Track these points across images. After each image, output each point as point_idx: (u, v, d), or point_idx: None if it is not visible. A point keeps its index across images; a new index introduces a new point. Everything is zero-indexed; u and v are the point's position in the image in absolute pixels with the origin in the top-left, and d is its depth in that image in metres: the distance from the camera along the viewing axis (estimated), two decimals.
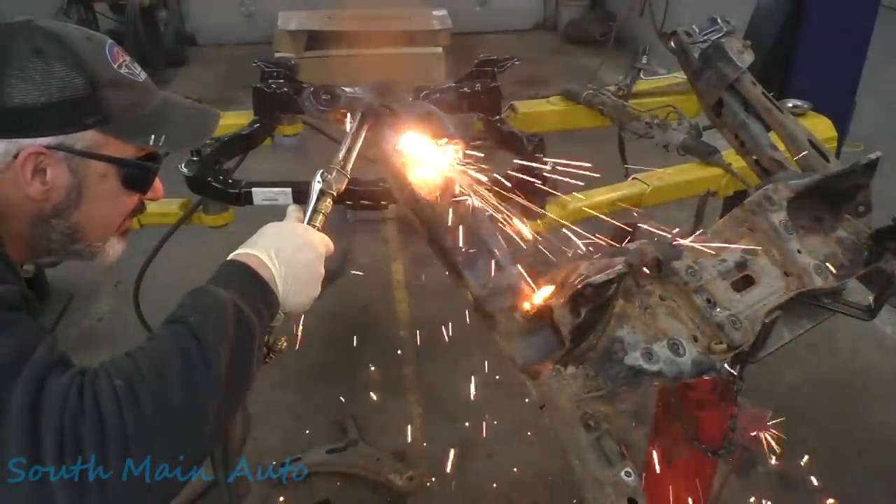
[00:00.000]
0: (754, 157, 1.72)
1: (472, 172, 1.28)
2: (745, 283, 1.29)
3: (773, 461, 2.65)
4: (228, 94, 6.39)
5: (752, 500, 2.55)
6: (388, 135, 1.29)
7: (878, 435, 2.82)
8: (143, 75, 1.16)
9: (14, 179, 1.04)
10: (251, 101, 2.58)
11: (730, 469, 2.37)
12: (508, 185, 1.37)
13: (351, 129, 1.33)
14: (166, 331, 0.94)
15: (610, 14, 8.61)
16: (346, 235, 4.30)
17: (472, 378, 2.80)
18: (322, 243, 1.18)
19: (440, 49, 6.43)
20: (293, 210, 1.24)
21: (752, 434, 1.65)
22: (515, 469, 2.70)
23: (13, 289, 0.93)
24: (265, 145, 2.68)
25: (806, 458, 2.69)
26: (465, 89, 2.59)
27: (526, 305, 1.13)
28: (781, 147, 1.70)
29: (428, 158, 1.26)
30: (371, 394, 3.07)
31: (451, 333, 3.45)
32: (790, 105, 2.54)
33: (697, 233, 1.34)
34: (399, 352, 3.35)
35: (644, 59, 2.88)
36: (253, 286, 1.05)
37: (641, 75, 2.91)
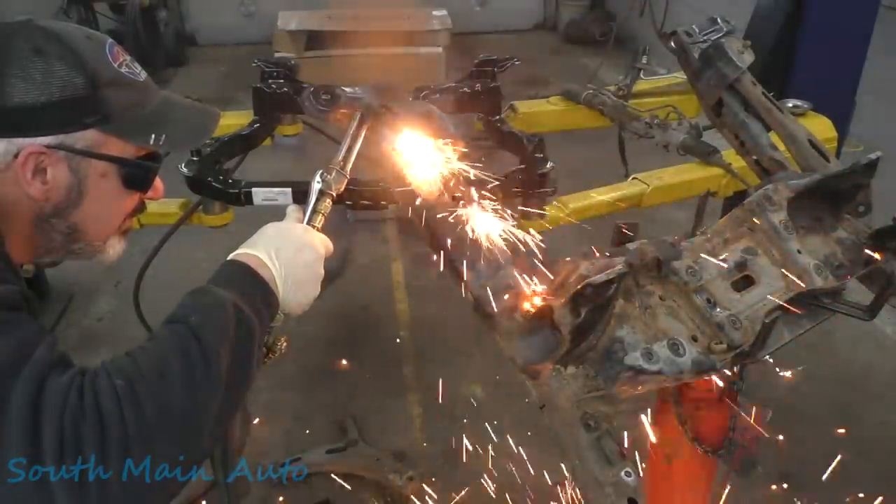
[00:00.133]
0: (754, 157, 1.72)
1: (472, 172, 1.28)
2: (745, 283, 1.29)
3: (773, 461, 2.66)
4: (228, 94, 6.39)
5: (752, 500, 2.55)
6: (388, 135, 1.29)
7: (877, 435, 2.82)
8: (143, 75, 1.16)
9: (14, 179, 1.04)
10: (251, 101, 2.58)
11: (730, 469, 2.37)
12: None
13: (350, 130, 1.33)
14: (167, 331, 0.94)
15: (610, 14, 8.62)
16: (346, 235, 4.30)
17: (479, 384, 2.81)
18: (322, 244, 1.18)
19: (440, 49, 6.42)
20: (293, 210, 1.24)
21: (752, 434, 1.65)
22: (515, 469, 2.70)
23: (13, 289, 0.93)
24: (265, 145, 2.68)
25: (805, 458, 2.69)
26: (465, 89, 2.58)
27: (526, 305, 1.13)
28: (781, 147, 1.70)
29: (428, 159, 1.26)
30: (371, 394, 3.07)
31: (450, 333, 3.45)
32: (790, 105, 2.54)
33: (697, 233, 1.34)
34: (399, 352, 3.35)
35: (644, 59, 2.88)
36: (253, 287, 1.05)
37: (641, 75, 2.91)
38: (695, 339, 1.17)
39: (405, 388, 3.14)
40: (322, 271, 1.16)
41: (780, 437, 2.73)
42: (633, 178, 2.44)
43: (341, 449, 2.72)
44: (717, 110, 1.79)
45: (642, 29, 4.19)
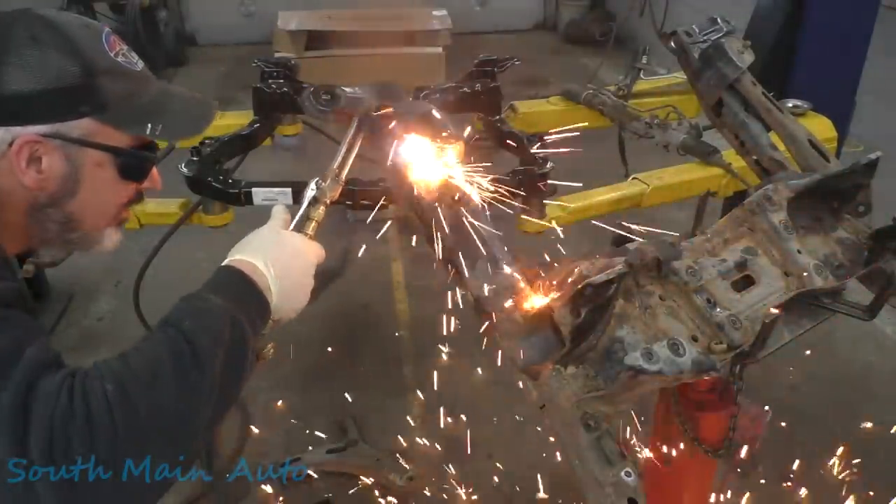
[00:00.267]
0: (754, 157, 1.72)
1: (472, 172, 1.28)
2: (745, 283, 1.30)
3: (773, 461, 2.66)
4: (228, 94, 6.39)
5: (752, 499, 2.55)
6: (388, 136, 1.29)
7: (878, 435, 2.82)
8: (140, 64, 1.16)
9: (9, 168, 1.03)
10: (251, 101, 2.58)
11: (730, 469, 2.38)
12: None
13: (347, 136, 1.33)
14: (160, 334, 0.94)
15: (610, 14, 8.61)
16: (346, 235, 4.30)
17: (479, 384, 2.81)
18: (314, 253, 1.19)
19: (440, 49, 6.42)
20: (280, 211, 1.23)
21: (752, 434, 1.65)
22: (515, 469, 2.70)
23: (10, 285, 0.93)
24: (265, 145, 2.68)
25: (805, 458, 2.69)
26: (465, 89, 2.59)
27: (526, 305, 1.13)
28: (781, 147, 1.70)
29: (428, 159, 1.26)
30: (371, 394, 3.07)
31: (450, 333, 3.45)
32: (790, 105, 2.54)
33: (697, 233, 1.34)
34: (399, 351, 3.35)
35: (644, 59, 2.88)
36: (248, 294, 1.05)
37: (641, 75, 2.91)
38: (695, 339, 1.17)
39: (405, 388, 3.14)
40: (312, 280, 1.17)
41: (780, 438, 2.74)
42: (633, 178, 2.44)
43: (341, 449, 2.72)
44: (717, 110, 1.79)
45: (642, 29, 4.18)
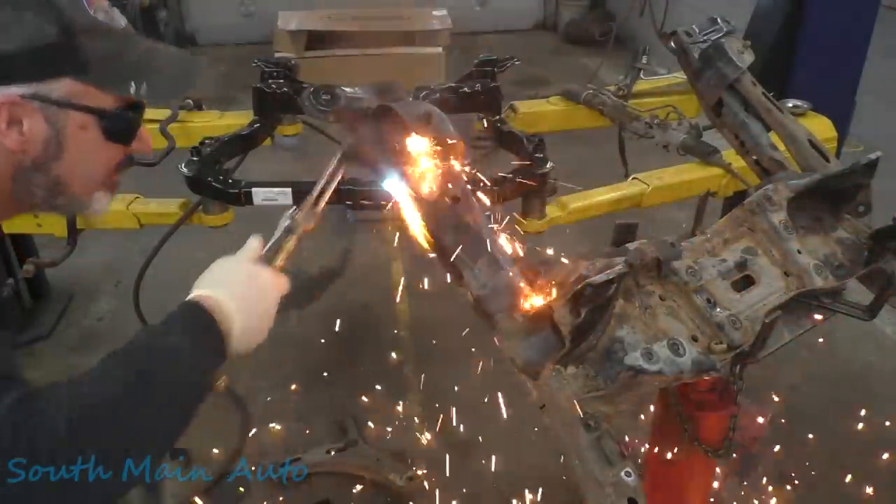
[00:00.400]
0: (754, 157, 1.72)
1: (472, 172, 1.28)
2: (745, 283, 1.30)
3: (773, 461, 2.66)
4: (228, 94, 6.39)
5: (752, 500, 2.55)
6: (388, 135, 1.29)
7: (878, 435, 2.82)
8: (122, 21, 1.12)
9: None
10: (251, 101, 2.59)
11: (730, 469, 2.38)
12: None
13: (328, 169, 1.32)
14: (115, 369, 0.93)
15: (610, 14, 8.61)
16: (346, 235, 4.30)
17: (479, 384, 2.81)
18: (279, 288, 1.18)
19: (440, 49, 6.42)
20: (254, 243, 1.21)
21: (752, 434, 1.65)
22: (515, 469, 2.70)
23: None
24: (265, 145, 2.68)
25: (805, 458, 2.69)
26: (465, 89, 2.59)
27: (526, 305, 1.13)
28: (781, 147, 1.70)
29: (428, 159, 1.26)
30: (371, 394, 3.07)
31: (450, 333, 3.45)
32: (790, 105, 2.54)
33: (697, 233, 1.34)
34: (399, 352, 3.35)
35: (644, 59, 2.88)
36: (207, 334, 1.04)
37: (641, 75, 2.91)
38: (695, 339, 1.17)
39: (405, 388, 3.14)
40: (274, 314, 1.17)
41: (780, 438, 2.74)
42: (633, 178, 2.44)
43: (341, 449, 2.72)
44: (717, 110, 1.79)
45: (642, 29, 4.18)
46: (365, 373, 3.18)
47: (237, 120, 2.68)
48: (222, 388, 1.11)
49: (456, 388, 3.09)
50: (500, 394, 2.36)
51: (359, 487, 2.62)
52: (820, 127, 2.57)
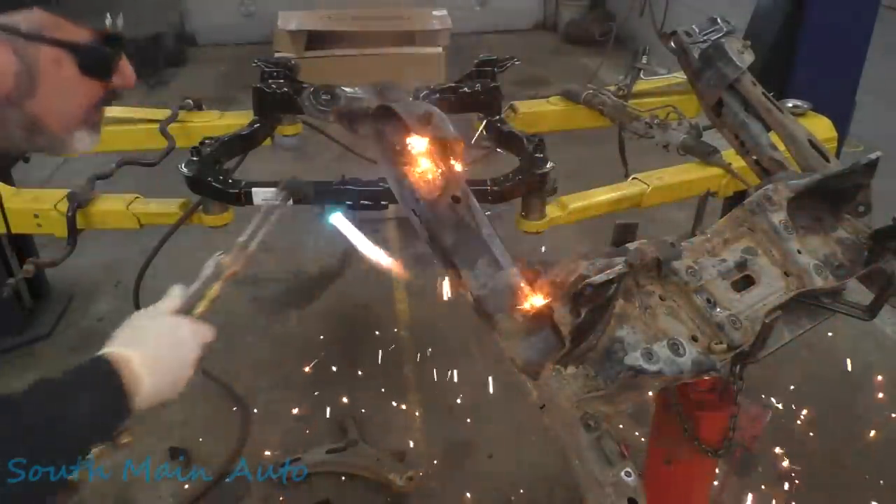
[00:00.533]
0: (754, 157, 1.72)
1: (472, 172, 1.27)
2: (745, 283, 1.30)
3: (773, 461, 2.66)
4: (228, 94, 6.39)
5: (752, 500, 2.55)
6: (388, 135, 1.29)
7: (877, 435, 2.82)
8: None
9: None
10: (251, 101, 2.59)
11: (730, 469, 2.38)
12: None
13: (264, 210, 1.31)
14: (7, 419, 0.91)
15: (610, 14, 8.61)
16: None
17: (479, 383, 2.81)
18: (200, 338, 1.16)
19: (440, 49, 6.42)
20: (175, 292, 1.20)
21: (752, 434, 1.65)
22: (516, 469, 2.71)
23: None
24: (265, 145, 2.68)
25: (805, 458, 2.69)
26: (465, 89, 2.59)
27: (526, 305, 1.13)
28: (781, 147, 1.70)
29: (427, 159, 1.26)
30: (371, 394, 3.07)
31: (450, 333, 3.45)
32: (790, 105, 2.54)
33: (697, 233, 1.34)
34: (399, 352, 3.35)
35: (644, 59, 2.88)
36: (110, 394, 1.01)
37: (641, 75, 2.91)
38: (695, 339, 1.17)
39: (405, 388, 3.14)
40: (192, 367, 1.14)
41: (780, 438, 2.74)
42: (633, 178, 2.44)
43: (341, 449, 2.72)
44: (717, 110, 1.79)
45: (642, 29, 4.18)
46: (365, 373, 3.18)
47: (237, 120, 2.68)
48: (124, 443, 1.08)
49: (456, 388, 3.10)
50: (499, 394, 2.36)
51: (359, 487, 2.62)
52: (820, 127, 2.57)
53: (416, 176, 1.25)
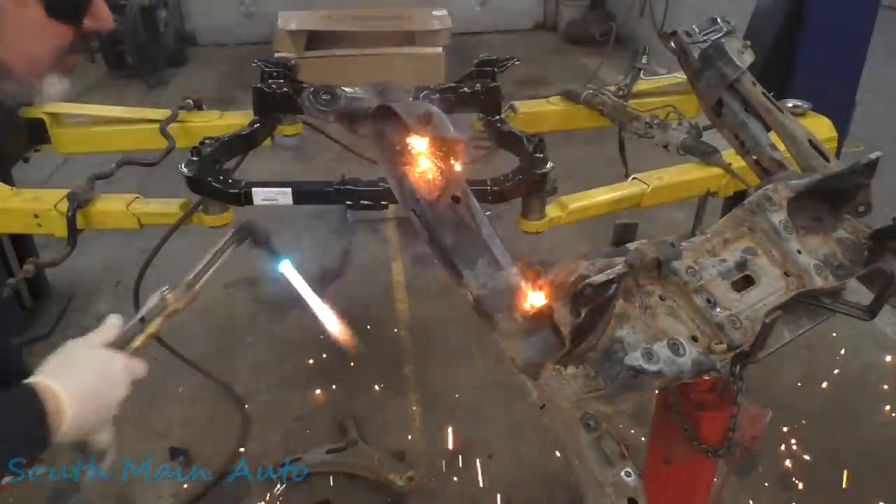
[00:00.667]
0: (754, 157, 1.72)
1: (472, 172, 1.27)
2: (745, 283, 1.29)
3: (773, 461, 2.67)
4: (228, 94, 6.39)
5: (752, 500, 2.56)
6: (388, 135, 1.29)
7: (878, 435, 2.82)
8: None
9: None
10: (251, 101, 2.59)
11: (730, 469, 2.38)
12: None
13: (217, 245, 1.29)
14: None
15: (610, 14, 8.61)
16: (346, 235, 4.30)
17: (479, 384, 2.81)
18: (132, 373, 1.14)
19: (440, 49, 6.42)
20: (111, 322, 1.18)
21: (752, 434, 1.65)
22: (516, 469, 2.71)
23: None
24: (265, 145, 2.68)
25: (805, 457, 2.70)
26: (465, 89, 2.59)
27: (526, 305, 1.13)
28: (781, 147, 1.70)
29: (427, 158, 1.26)
30: (371, 394, 3.07)
31: (450, 333, 3.45)
32: (790, 105, 2.54)
33: (697, 233, 1.34)
34: (399, 352, 3.35)
35: (644, 59, 2.88)
36: (31, 423, 1.00)
37: (641, 75, 2.91)
38: (695, 339, 1.17)
39: (405, 388, 3.14)
40: (118, 403, 1.12)
41: (780, 438, 2.74)
42: (633, 178, 2.44)
43: (341, 449, 2.72)
44: (717, 110, 1.78)
45: (642, 29, 4.19)
46: (365, 373, 3.19)
47: (237, 120, 2.68)
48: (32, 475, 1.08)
49: (456, 388, 3.10)
50: (499, 394, 2.36)
51: (359, 487, 2.62)
52: (820, 127, 2.57)
53: (416, 176, 1.25)
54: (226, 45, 8.52)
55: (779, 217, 1.34)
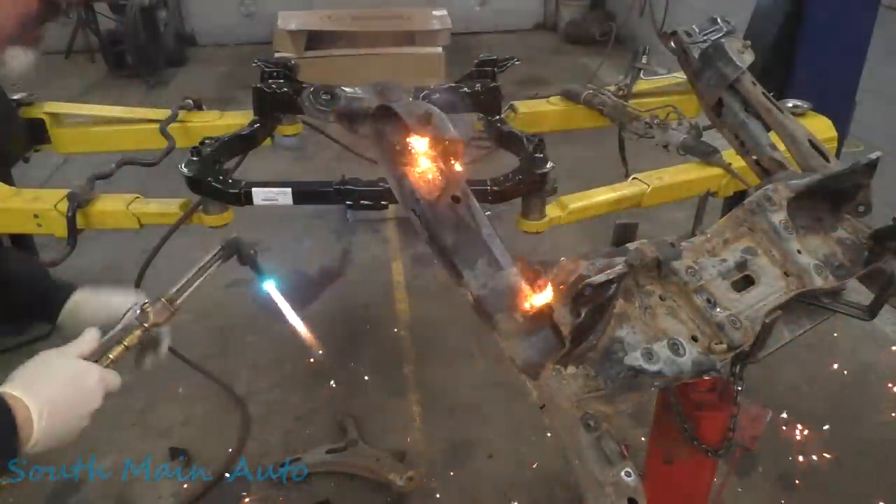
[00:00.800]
0: (754, 157, 1.72)
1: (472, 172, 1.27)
2: (745, 283, 1.29)
3: (773, 461, 2.66)
4: (228, 94, 6.39)
5: (752, 500, 2.55)
6: (388, 135, 1.29)
7: (878, 435, 2.82)
8: None
9: None
10: (251, 101, 2.59)
11: (730, 469, 2.38)
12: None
13: (202, 262, 1.29)
14: None
15: (610, 14, 8.61)
16: (346, 235, 4.30)
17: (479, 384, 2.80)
18: (103, 391, 1.12)
19: (440, 49, 6.42)
20: (89, 336, 1.16)
21: (752, 434, 1.65)
22: (516, 469, 2.70)
23: None
24: (265, 145, 2.68)
25: (805, 457, 2.70)
26: (465, 89, 2.59)
27: (526, 305, 1.13)
28: (781, 147, 1.70)
29: (427, 158, 1.26)
30: (371, 394, 3.07)
31: (450, 333, 3.45)
32: (790, 105, 2.54)
33: (697, 233, 1.34)
34: (399, 352, 3.35)
35: (644, 59, 2.88)
36: (1, 439, 0.99)
37: (641, 75, 2.91)
38: (695, 339, 1.17)
39: (405, 388, 3.14)
40: (89, 416, 1.11)
41: (780, 438, 2.74)
42: (633, 178, 2.44)
43: (341, 449, 2.72)
44: (717, 110, 1.79)
45: (642, 29, 4.19)
46: (365, 372, 3.19)
47: (237, 120, 2.68)
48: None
49: (456, 388, 3.10)
50: (499, 394, 2.35)
51: (359, 487, 2.62)
52: (820, 127, 2.57)
53: (416, 176, 1.25)
54: (226, 46, 8.52)
55: (779, 217, 1.34)
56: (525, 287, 1.14)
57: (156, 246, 2.35)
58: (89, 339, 1.16)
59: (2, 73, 1.09)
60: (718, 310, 1.20)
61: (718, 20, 1.87)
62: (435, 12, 6.69)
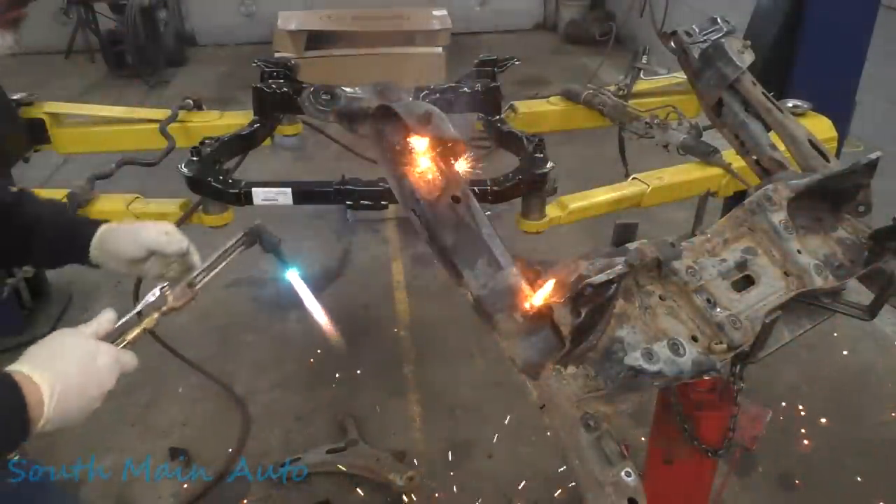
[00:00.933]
0: (754, 157, 1.72)
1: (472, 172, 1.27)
2: (745, 283, 1.29)
3: (773, 461, 2.66)
4: (228, 94, 6.39)
5: (752, 500, 2.55)
6: (388, 135, 1.29)
7: (877, 435, 2.82)
8: None
9: None
10: (251, 101, 2.59)
11: (730, 469, 2.38)
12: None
13: (223, 248, 1.29)
14: None
15: (610, 14, 8.62)
16: (346, 235, 4.30)
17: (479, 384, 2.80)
18: (116, 373, 1.11)
19: (440, 49, 6.43)
20: (105, 317, 1.15)
21: (752, 434, 1.65)
22: (516, 469, 2.70)
23: None
24: (265, 145, 2.68)
25: (805, 458, 2.70)
26: (465, 89, 2.59)
27: (526, 305, 1.13)
28: (781, 147, 1.70)
29: (427, 158, 1.26)
30: (371, 393, 3.07)
31: (450, 333, 3.45)
32: (790, 105, 2.54)
33: (697, 233, 1.34)
34: (399, 352, 3.35)
35: (644, 59, 2.88)
36: (12, 418, 0.98)
37: (641, 75, 2.91)
38: (695, 339, 1.17)
39: (405, 388, 3.14)
40: (103, 395, 1.09)
41: (780, 438, 2.74)
42: (633, 178, 2.44)
43: (341, 449, 2.72)
44: (717, 110, 1.78)
45: (642, 29, 4.18)
46: (365, 372, 3.19)
47: (237, 120, 2.68)
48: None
49: (456, 388, 3.10)
50: (499, 394, 2.35)
51: (359, 487, 2.62)
52: (820, 127, 2.57)
53: (416, 176, 1.25)
54: (226, 46, 8.52)
55: (779, 217, 1.34)
56: (525, 287, 1.14)
57: None
58: (105, 319, 1.15)
59: None
60: (718, 310, 1.20)
61: (718, 20, 1.87)
62: (435, 12, 6.69)
